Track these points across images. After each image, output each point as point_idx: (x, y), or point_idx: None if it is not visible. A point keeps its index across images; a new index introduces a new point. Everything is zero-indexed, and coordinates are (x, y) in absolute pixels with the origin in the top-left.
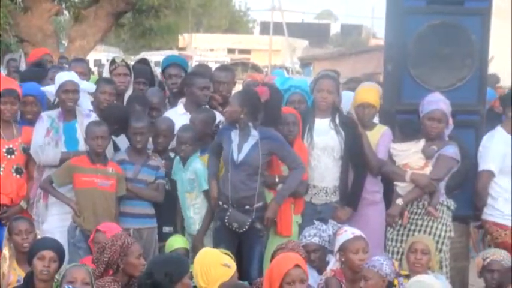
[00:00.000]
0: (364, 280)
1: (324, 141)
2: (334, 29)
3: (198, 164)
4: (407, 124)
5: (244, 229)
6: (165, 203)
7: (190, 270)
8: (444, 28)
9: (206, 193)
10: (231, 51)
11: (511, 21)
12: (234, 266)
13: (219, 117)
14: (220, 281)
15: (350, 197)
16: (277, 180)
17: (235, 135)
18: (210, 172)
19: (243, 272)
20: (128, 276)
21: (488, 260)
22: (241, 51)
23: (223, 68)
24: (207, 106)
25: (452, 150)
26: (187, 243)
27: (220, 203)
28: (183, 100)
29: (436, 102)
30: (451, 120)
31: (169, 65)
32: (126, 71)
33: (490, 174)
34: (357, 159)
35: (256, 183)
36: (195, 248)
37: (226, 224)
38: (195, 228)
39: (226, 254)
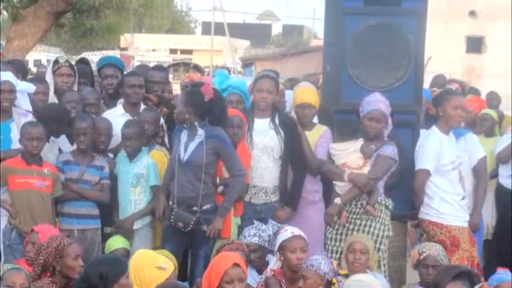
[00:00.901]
0: (303, 279)
1: (264, 141)
2: (276, 29)
3: (149, 159)
4: (346, 124)
5: (188, 228)
6: (107, 203)
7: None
8: (381, 28)
9: (154, 188)
10: (173, 51)
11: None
12: (170, 268)
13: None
14: (155, 283)
15: (289, 196)
16: (218, 181)
17: (184, 135)
18: (163, 183)
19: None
20: (66, 278)
21: (424, 254)
22: (183, 52)
23: (157, 68)
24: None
25: (390, 150)
26: (127, 243)
27: (170, 202)
28: (121, 101)
29: (375, 102)
30: (390, 121)
31: (105, 65)
32: (69, 71)
33: (427, 174)
34: (296, 159)
35: (201, 183)
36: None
37: (172, 223)
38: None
39: (166, 255)
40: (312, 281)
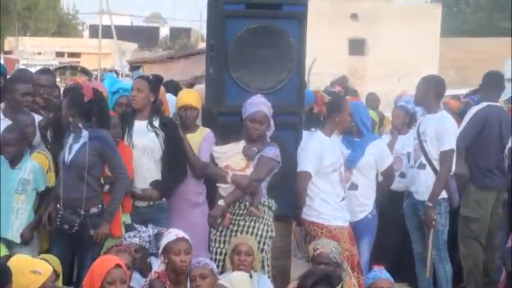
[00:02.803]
0: (200, 278)
1: (144, 142)
2: (164, 32)
3: (33, 162)
4: (229, 126)
5: (73, 230)
6: None
7: None
8: (263, 32)
9: (42, 193)
10: (60, 54)
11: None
12: (47, 272)
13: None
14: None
15: (162, 184)
16: (102, 181)
17: (70, 137)
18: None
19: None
20: None
21: (318, 251)
22: (71, 55)
23: (43, 71)
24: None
25: (272, 152)
26: (5, 250)
27: (58, 205)
28: (0, 105)
29: (258, 104)
30: (272, 122)
31: None
32: None
33: (308, 175)
34: (177, 160)
35: (85, 185)
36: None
37: (59, 225)
38: (12, 233)
39: (51, 259)
40: (209, 280)
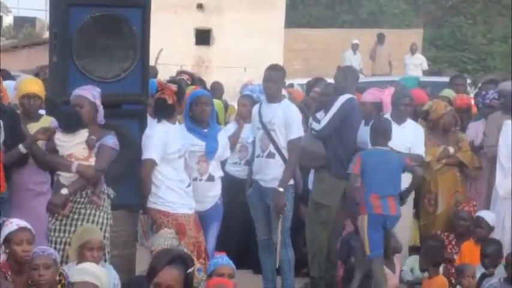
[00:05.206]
0: (44, 267)
1: None
2: (7, 21)
3: None
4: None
5: None
6: None
7: None
8: (106, 20)
9: None
10: None
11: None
12: None
13: None
14: None
15: None
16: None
17: None
18: None
19: None
20: None
21: (153, 252)
22: None
23: None
24: None
25: (112, 141)
26: None
27: None
28: None
29: (81, 89)
30: (98, 104)
31: None
32: None
33: (152, 163)
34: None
35: None
36: None
37: None
38: None
39: None
40: (52, 270)
